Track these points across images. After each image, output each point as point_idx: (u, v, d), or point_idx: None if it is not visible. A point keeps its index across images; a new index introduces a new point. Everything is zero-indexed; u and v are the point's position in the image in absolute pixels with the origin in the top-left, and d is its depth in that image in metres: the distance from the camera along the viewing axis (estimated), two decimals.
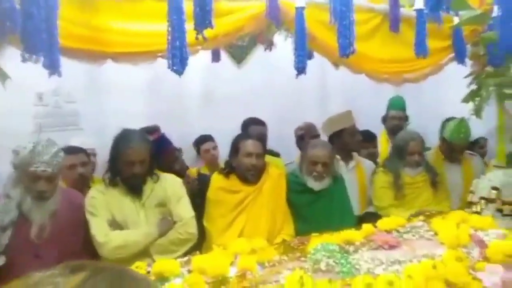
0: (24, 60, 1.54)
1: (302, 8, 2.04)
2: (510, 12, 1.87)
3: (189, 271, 1.32)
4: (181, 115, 3.46)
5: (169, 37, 1.68)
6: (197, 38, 1.70)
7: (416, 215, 1.77)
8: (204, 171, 3.08)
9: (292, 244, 1.49)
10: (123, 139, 2.14)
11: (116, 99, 3.21)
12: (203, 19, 1.61)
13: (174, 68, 1.68)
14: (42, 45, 1.55)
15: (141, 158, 2.09)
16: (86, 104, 3.19)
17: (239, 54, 3.34)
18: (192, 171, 2.87)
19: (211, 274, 1.25)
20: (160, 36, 1.85)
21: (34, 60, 1.54)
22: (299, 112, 3.73)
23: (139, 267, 1.38)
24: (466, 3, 2.28)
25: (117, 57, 1.98)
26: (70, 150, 2.56)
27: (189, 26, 1.80)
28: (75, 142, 2.87)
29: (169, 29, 1.66)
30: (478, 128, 3.43)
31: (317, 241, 1.49)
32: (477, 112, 2.87)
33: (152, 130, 2.91)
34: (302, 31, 2.02)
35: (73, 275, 0.37)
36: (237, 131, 3.23)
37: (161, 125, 3.02)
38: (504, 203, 2.65)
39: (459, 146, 2.99)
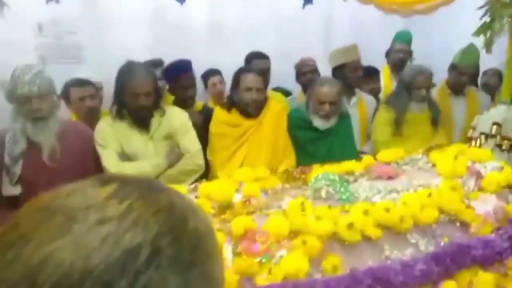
0: None
1: None
2: None
3: (196, 197, 1.39)
4: (186, 47, 3.38)
5: None
6: None
7: (426, 149, 1.80)
8: (211, 104, 3.10)
9: (294, 173, 1.55)
10: (127, 71, 2.14)
11: (118, 30, 3.14)
12: None
13: None
14: None
15: (146, 90, 2.10)
16: (87, 35, 3.12)
17: None
18: (197, 105, 2.89)
19: (217, 199, 1.32)
20: None
21: None
22: (304, 45, 3.64)
23: None
24: None
25: None
26: (78, 83, 2.59)
27: None
28: (80, 75, 2.86)
29: None
30: (489, 61, 3.38)
31: (318, 171, 1.55)
32: (488, 45, 2.81)
33: (157, 63, 2.89)
34: None
35: (103, 186, 0.40)
36: (242, 63, 3.20)
37: (165, 57, 2.99)
38: (503, 138, 2.70)
39: (467, 70, 2.98)
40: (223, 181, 1.45)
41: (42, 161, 2.00)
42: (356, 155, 2.67)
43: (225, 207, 1.29)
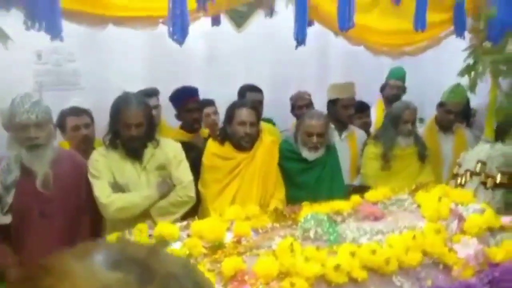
0: (27, 28, 1.55)
1: None
2: None
3: (188, 235, 1.42)
4: (181, 77, 3.47)
5: (170, 4, 1.68)
6: (198, 11, 1.70)
7: (412, 189, 1.88)
8: (204, 134, 3.17)
9: (284, 213, 1.60)
10: (121, 102, 2.19)
11: (117, 59, 3.19)
12: None
13: (175, 37, 1.70)
14: (45, 11, 1.56)
15: (137, 121, 2.14)
16: (86, 63, 3.18)
17: (239, 18, 3.30)
18: (204, 131, 2.98)
19: (208, 239, 1.36)
20: (162, 0, 1.84)
21: (37, 27, 1.55)
22: (297, 78, 3.75)
23: (142, 230, 1.48)
24: None
25: (118, 21, 1.98)
26: (74, 112, 2.60)
27: None
28: (72, 102, 2.89)
29: None
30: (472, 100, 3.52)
31: (307, 211, 1.60)
32: (472, 86, 2.93)
33: (151, 92, 2.96)
34: (303, 2, 2.02)
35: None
36: (236, 94, 3.29)
37: (162, 87, 3.05)
38: (487, 176, 2.79)
39: (454, 108, 3.10)
40: (214, 219, 1.49)
41: (35, 190, 2.01)
42: (343, 186, 2.75)
43: (216, 247, 1.32)
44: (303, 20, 2.01)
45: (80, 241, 1.80)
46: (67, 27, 1.82)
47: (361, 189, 2.83)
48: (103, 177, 2.15)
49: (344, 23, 1.93)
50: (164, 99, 3.03)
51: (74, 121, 2.56)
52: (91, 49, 3.18)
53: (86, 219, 2.20)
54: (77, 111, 2.59)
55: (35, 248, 2.01)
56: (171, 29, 1.71)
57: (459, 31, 2.68)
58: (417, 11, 2.25)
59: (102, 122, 2.66)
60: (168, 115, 3.06)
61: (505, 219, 1.72)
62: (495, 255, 1.56)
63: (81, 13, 1.89)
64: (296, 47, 2.15)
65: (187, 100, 2.80)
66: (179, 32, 1.65)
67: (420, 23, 2.23)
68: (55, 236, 2.06)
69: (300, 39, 2.07)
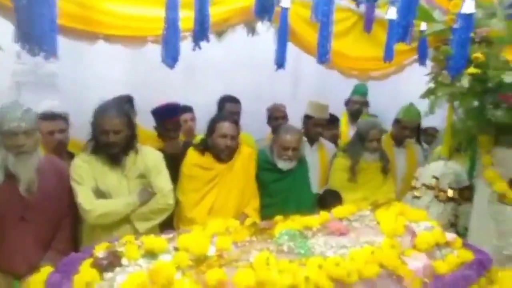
0: (23, 47, 1.61)
1: (287, 9, 2.19)
2: (464, 39, 2.13)
3: (174, 248, 1.57)
4: (161, 83, 3.55)
5: (164, 33, 1.81)
6: (193, 50, 1.84)
7: (374, 205, 2.12)
8: (181, 139, 3.27)
9: (261, 227, 1.78)
10: (99, 110, 2.27)
11: (97, 64, 3.24)
12: (201, 34, 1.75)
13: (167, 61, 1.83)
14: (40, 33, 1.62)
15: (114, 128, 2.22)
16: (65, 66, 3.20)
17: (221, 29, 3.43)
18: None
19: (194, 252, 1.51)
20: (153, 21, 1.95)
21: (33, 51, 1.61)
22: (274, 90, 3.94)
23: (129, 240, 1.61)
24: (431, 15, 2.52)
25: (109, 38, 2.07)
26: (48, 116, 2.57)
27: (183, 13, 1.89)
28: (47, 104, 2.89)
29: (165, 25, 1.79)
30: (431, 119, 3.84)
31: (282, 226, 1.79)
32: (431, 108, 3.21)
33: (124, 99, 3.01)
34: (285, 31, 2.20)
35: None
36: (214, 103, 3.42)
37: (141, 94, 3.13)
38: (440, 190, 3.10)
39: (409, 125, 3.41)
40: (198, 234, 1.65)
41: (18, 195, 2.06)
42: (311, 195, 2.96)
43: (201, 260, 1.48)
44: (283, 47, 2.19)
45: (59, 244, 1.92)
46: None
47: (329, 193, 3.07)
48: (85, 183, 2.22)
49: (322, 57, 2.13)
50: (142, 104, 3.08)
51: (49, 126, 2.55)
52: (72, 52, 3.21)
53: (66, 223, 2.26)
54: (52, 116, 2.58)
55: (14, 250, 2.08)
56: (163, 54, 1.83)
57: (422, 60, 2.95)
58: (386, 45, 2.47)
59: (78, 124, 2.71)
60: (145, 119, 3.13)
61: (450, 236, 1.98)
62: (440, 268, 1.81)
63: (73, 29, 1.97)
64: (276, 69, 2.32)
65: (165, 120, 2.89)
66: (171, 58, 1.78)
67: (389, 56, 2.46)
68: (35, 240, 2.13)
69: (280, 63, 2.24)
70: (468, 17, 2.26)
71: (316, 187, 3.15)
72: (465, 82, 2.37)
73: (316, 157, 3.28)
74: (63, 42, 3.03)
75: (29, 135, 2.03)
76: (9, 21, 1.82)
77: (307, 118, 3.24)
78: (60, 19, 1.83)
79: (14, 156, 2.02)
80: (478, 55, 2.40)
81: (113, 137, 2.23)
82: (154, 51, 2.13)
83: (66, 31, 1.96)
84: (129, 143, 2.32)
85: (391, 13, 2.42)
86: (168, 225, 2.45)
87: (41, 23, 1.65)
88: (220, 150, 2.60)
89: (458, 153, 3.28)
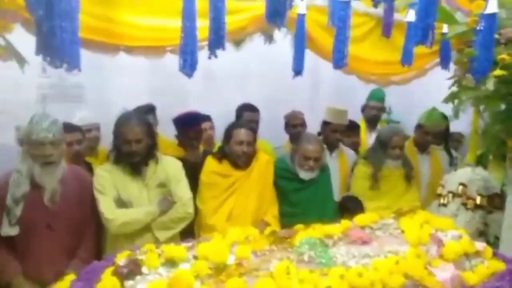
0: (46, 61, 1.65)
1: (304, 15, 2.18)
2: (489, 40, 2.06)
3: (194, 256, 1.56)
4: (180, 94, 3.59)
5: (182, 42, 1.82)
6: (209, 58, 1.85)
7: (398, 213, 2.06)
8: (201, 148, 3.29)
9: (280, 235, 1.75)
10: (121, 119, 2.32)
11: (120, 74, 3.31)
12: (217, 43, 1.76)
13: (184, 70, 1.84)
14: (60, 45, 1.66)
15: (136, 137, 2.25)
16: (90, 78, 3.28)
17: (238, 38, 3.45)
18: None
19: (213, 261, 1.49)
20: (171, 31, 1.97)
21: (55, 63, 1.65)
22: (293, 97, 3.92)
23: (150, 249, 1.61)
24: (452, 17, 2.46)
25: (129, 49, 2.11)
26: (66, 128, 2.54)
27: (200, 22, 1.92)
28: (78, 116, 3.01)
29: (182, 34, 1.80)
30: (456, 124, 3.73)
31: (302, 235, 1.75)
32: (455, 113, 3.11)
33: (147, 109, 3.07)
34: (302, 37, 2.18)
35: None
36: (233, 112, 3.43)
37: (162, 103, 3.17)
38: (468, 198, 2.98)
39: (431, 130, 3.28)
40: (218, 242, 1.63)
41: (42, 204, 2.12)
42: (334, 204, 2.91)
43: (220, 268, 1.46)
44: (301, 54, 2.17)
45: (83, 253, 1.95)
46: None
47: (349, 199, 3.01)
48: (108, 192, 2.26)
49: (338, 62, 2.10)
50: (161, 114, 3.14)
51: (68, 137, 2.54)
52: (95, 64, 3.30)
53: (90, 232, 2.30)
54: (70, 128, 2.63)
55: (41, 259, 2.12)
56: (181, 63, 1.85)
57: (445, 63, 2.87)
58: (404, 48, 2.42)
59: (105, 135, 2.78)
60: (165, 128, 3.17)
61: (479, 245, 1.89)
62: (469, 279, 1.72)
63: (95, 42, 2.01)
64: (294, 77, 2.31)
65: (189, 129, 2.92)
66: (189, 67, 1.79)
67: (407, 59, 2.41)
68: (60, 248, 2.17)
69: (298, 70, 2.22)
70: (491, 17, 2.19)
71: (336, 195, 3.08)
72: (490, 85, 2.28)
73: (336, 164, 3.22)
74: (86, 54, 3.16)
75: (56, 146, 2.08)
76: (33, 35, 1.88)
77: (325, 124, 3.20)
78: (81, 32, 1.87)
79: (40, 167, 2.07)
80: (504, 56, 2.31)
81: (135, 146, 2.26)
82: (174, 60, 2.18)
83: (87, 43, 2.00)
84: (150, 152, 2.35)
85: (410, 15, 2.37)
86: (189, 233, 2.46)
87: (61, 35, 1.68)
88: (237, 156, 2.61)
89: (497, 161, 3.12)
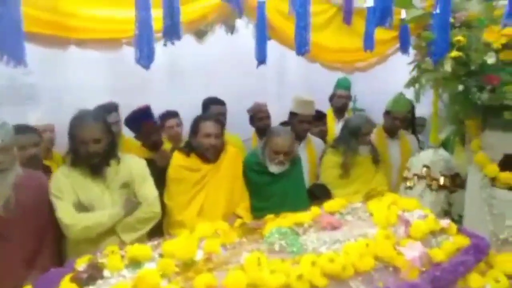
0: None
1: (263, 2, 2.14)
2: (445, 22, 2.11)
3: (160, 255, 1.49)
4: (143, 89, 3.47)
5: (137, 32, 1.74)
6: (165, 45, 1.77)
7: (366, 197, 2.08)
8: (167, 146, 3.20)
9: (250, 227, 1.71)
10: (76, 119, 2.17)
11: (75, 72, 3.16)
12: (172, 30, 1.69)
13: (141, 62, 1.76)
14: (6, 37, 1.55)
15: (94, 136, 2.13)
16: (43, 77, 3.11)
17: (200, 31, 3.37)
18: (167, 144, 2.99)
19: (180, 258, 1.44)
20: (126, 23, 1.87)
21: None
22: (259, 88, 3.88)
23: (113, 251, 1.53)
24: (410, 2, 2.50)
25: (81, 43, 2.00)
26: (19, 130, 2.36)
27: (156, 12, 1.83)
28: (33, 117, 2.84)
29: (137, 24, 1.72)
30: (421, 109, 3.82)
31: (272, 225, 1.73)
32: (416, 97, 3.19)
33: (110, 108, 2.94)
34: (263, 25, 2.14)
35: None
36: (199, 106, 3.35)
37: (123, 100, 3.05)
38: (432, 179, 3.07)
39: (399, 115, 3.36)
40: (185, 238, 1.57)
41: None
42: (306, 199, 2.86)
43: (188, 265, 1.41)
44: (263, 42, 2.13)
45: (43, 262, 1.83)
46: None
47: (317, 187, 3.01)
48: (65, 197, 2.13)
49: (301, 48, 2.08)
50: (124, 112, 3.02)
51: (22, 140, 2.36)
52: (48, 61, 3.12)
53: (49, 238, 2.17)
54: (23, 130, 2.41)
55: None
56: (138, 54, 1.76)
57: (404, 48, 2.92)
58: (365, 34, 2.44)
59: (62, 137, 2.63)
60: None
61: (444, 222, 1.94)
62: (436, 255, 1.76)
63: (42, 35, 1.89)
64: (257, 66, 2.27)
65: (140, 124, 2.83)
66: (146, 58, 1.71)
67: (369, 43, 2.43)
68: (17, 259, 2.03)
69: (261, 59, 2.19)
70: (446, 1, 2.24)
71: (306, 184, 3.09)
72: (448, 66, 2.35)
73: (304, 154, 3.22)
74: (36, 51, 2.99)
75: (6, 152, 1.94)
76: None
77: (292, 115, 3.18)
78: (28, 25, 1.75)
79: None
80: (459, 38, 2.38)
81: (93, 146, 2.14)
82: (133, 54, 2.07)
83: (34, 37, 1.87)
84: (110, 152, 2.24)
85: (369, 1, 2.39)
86: (157, 233, 2.37)
87: (6, 29, 1.56)
88: (205, 149, 2.56)
89: (462, 146, 3.21)
